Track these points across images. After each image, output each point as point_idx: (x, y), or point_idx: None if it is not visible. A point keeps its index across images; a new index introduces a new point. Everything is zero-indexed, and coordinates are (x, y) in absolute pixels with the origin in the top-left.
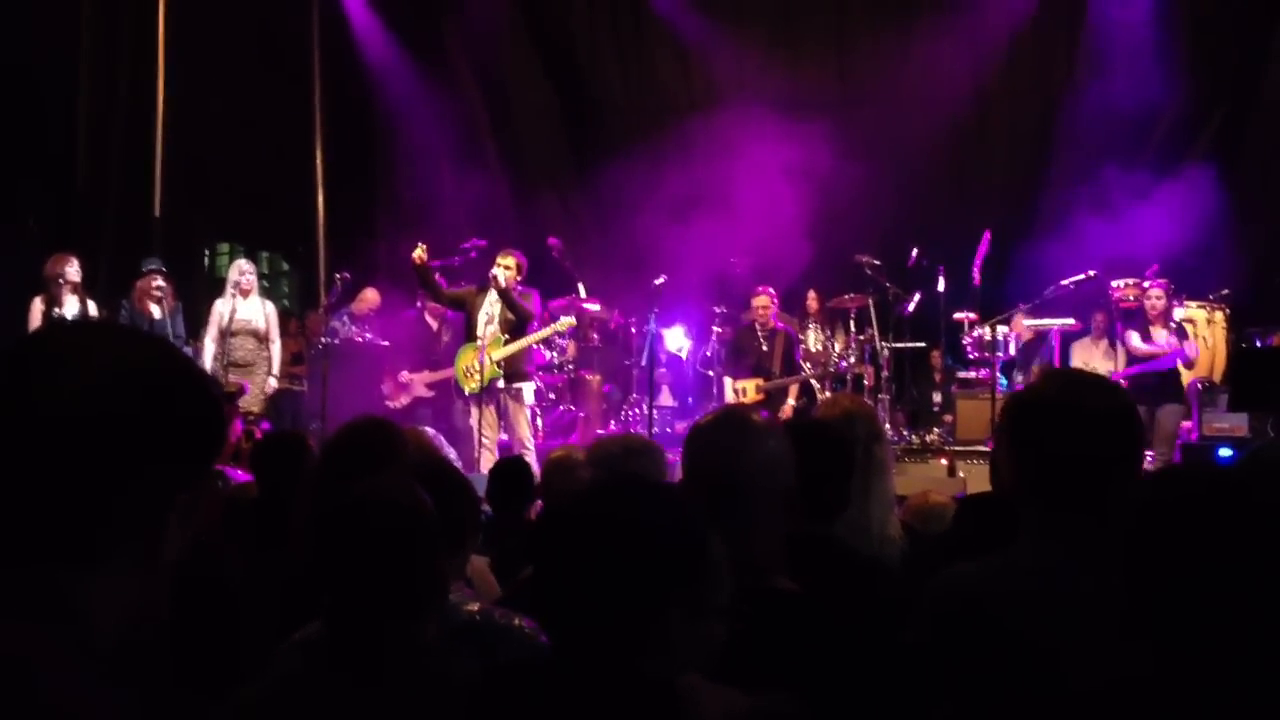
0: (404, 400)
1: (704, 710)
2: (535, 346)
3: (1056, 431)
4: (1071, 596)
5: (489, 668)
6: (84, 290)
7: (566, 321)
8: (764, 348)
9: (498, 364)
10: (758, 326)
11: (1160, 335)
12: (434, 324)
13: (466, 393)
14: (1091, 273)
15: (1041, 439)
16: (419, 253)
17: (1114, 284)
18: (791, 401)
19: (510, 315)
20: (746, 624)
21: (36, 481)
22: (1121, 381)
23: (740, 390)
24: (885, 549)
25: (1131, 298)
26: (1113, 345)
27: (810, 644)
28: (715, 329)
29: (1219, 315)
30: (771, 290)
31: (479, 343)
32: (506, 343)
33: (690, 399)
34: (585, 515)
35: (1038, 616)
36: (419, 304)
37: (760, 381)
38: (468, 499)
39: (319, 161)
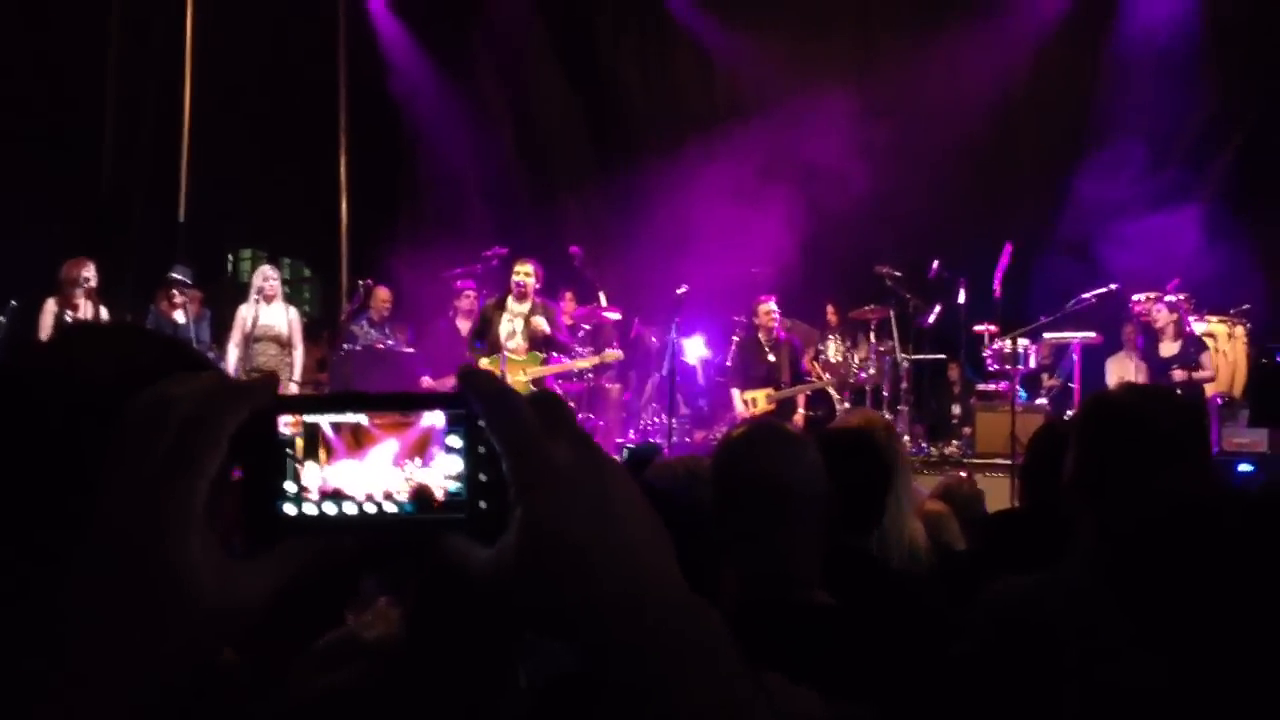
0: None
1: (790, 707)
2: (556, 357)
3: (1131, 439)
4: (1121, 616)
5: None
6: (98, 296)
7: (613, 354)
8: (770, 357)
9: (531, 383)
10: (763, 336)
11: (1169, 349)
12: (464, 328)
13: None
14: (1113, 286)
15: (1116, 446)
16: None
17: (1134, 298)
18: (802, 411)
19: (538, 329)
20: (782, 638)
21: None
22: None
23: (750, 401)
24: (914, 561)
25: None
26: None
27: (846, 658)
28: (734, 338)
29: (1239, 330)
30: (774, 297)
31: (505, 356)
32: (545, 362)
33: (705, 408)
34: None
35: (1089, 635)
36: (451, 312)
37: (771, 391)
38: None
39: (343, 168)
